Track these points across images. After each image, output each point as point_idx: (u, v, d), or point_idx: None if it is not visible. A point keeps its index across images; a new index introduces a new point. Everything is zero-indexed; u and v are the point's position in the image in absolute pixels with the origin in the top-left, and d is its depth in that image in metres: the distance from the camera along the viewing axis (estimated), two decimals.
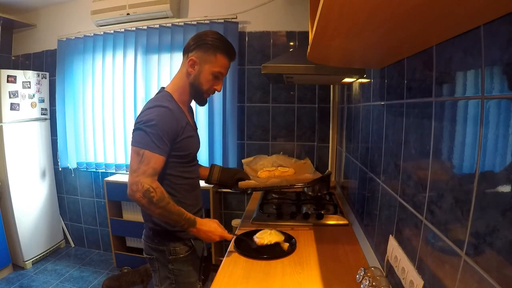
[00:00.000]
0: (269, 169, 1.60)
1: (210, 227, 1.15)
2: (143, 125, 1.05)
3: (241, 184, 1.39)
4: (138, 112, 1.21)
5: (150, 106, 1.10)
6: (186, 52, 1.17)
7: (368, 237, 1.24)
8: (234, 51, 1.19)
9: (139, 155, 1.03)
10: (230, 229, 2.54)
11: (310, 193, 1.76)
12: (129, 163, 1.08)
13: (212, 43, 1.13)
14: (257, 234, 1.29)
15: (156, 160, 1.04)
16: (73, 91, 2.69)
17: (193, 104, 1.29)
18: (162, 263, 1.19)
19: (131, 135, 1.09)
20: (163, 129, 1.05)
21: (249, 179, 1.44)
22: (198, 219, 1.13)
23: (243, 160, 1.61)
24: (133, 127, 1.09)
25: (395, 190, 0.92)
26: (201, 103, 1.25)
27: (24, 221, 2.57)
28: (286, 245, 1.26)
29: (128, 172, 1.25)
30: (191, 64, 1.14)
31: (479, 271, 0.49)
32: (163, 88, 1.23)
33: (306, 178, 1.47)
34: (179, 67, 1.22)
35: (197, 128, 1.32)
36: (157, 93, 1.22)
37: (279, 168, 1.63)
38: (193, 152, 1.22)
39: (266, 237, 1.25)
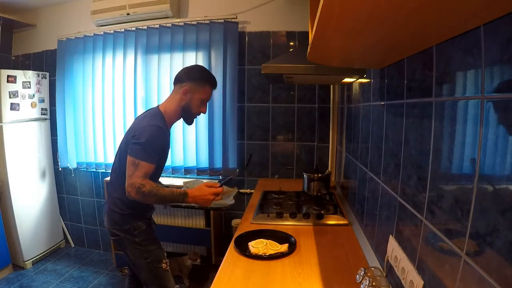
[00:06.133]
0: None
1: (200, 191, 1.40)
2: (139, 140, 1.30)
3: None
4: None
5: (147, 124, 1.35)
6: (178, 81, 1.46)
7: (368, 237, 1.24)
8: (216, 81, 1.51)
9: (134, 164, 1.29)
10: (230, 229, 2.54)
11: (310, 193, 1.76)
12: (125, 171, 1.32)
13: (201, 76, 1.46)
14: (253, 243, 1.26)
15: (147, 166, 1.30)
16: (73, 91, 2.68)
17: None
18: (129, 240, 1.41)
19: (129, 147, 1.33)
20: (155, 144, 1.33)
21: None
22: (188, 191, 1.38)
23: (183, 181, 1.80)
24: (132, 140, 1.33)
25: (395, 190, 0.92)
26: (189, 123, 1.55)
27: (24, 221, 2.57)
28: (285, 245, 1.26)
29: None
30: (184, 92, 1.43)
31: (479, 271, 0.49)
32: (157, 106, 1.49)
33: None
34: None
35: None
36: (152, 109, 1.49)
37: None
38: (164, 165, 1.51)
39: (261, 248, 1.23)
